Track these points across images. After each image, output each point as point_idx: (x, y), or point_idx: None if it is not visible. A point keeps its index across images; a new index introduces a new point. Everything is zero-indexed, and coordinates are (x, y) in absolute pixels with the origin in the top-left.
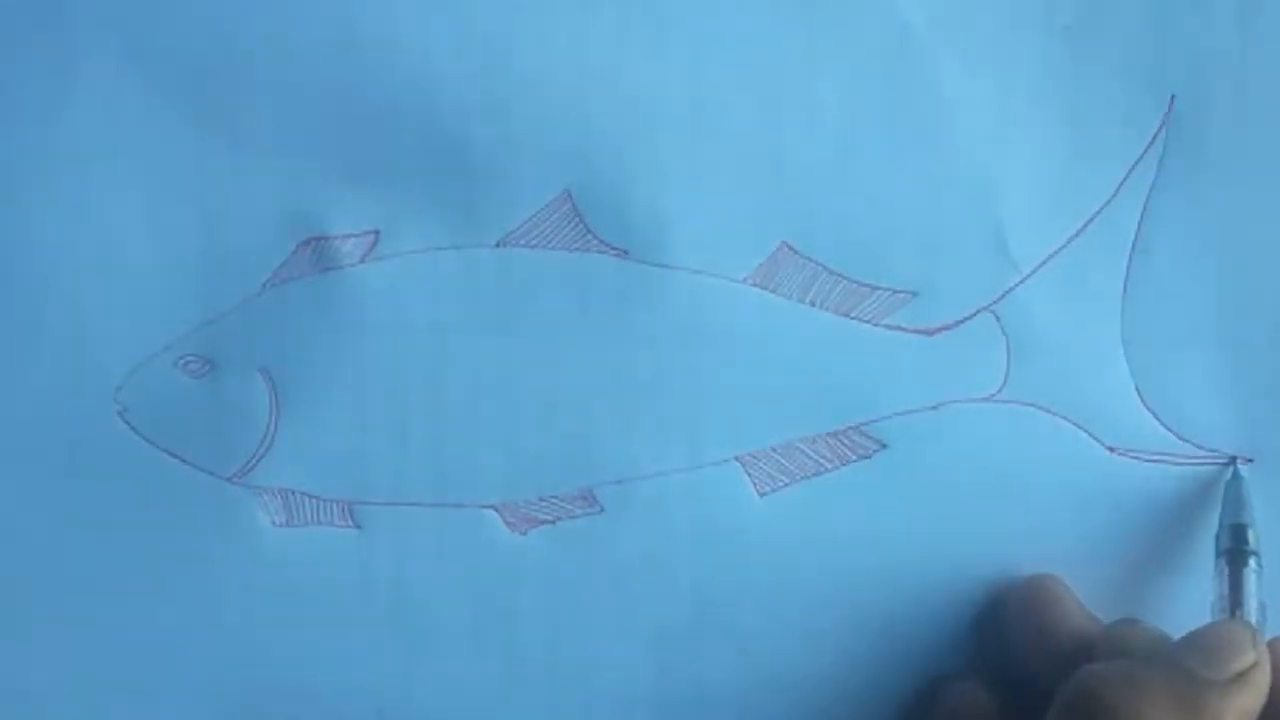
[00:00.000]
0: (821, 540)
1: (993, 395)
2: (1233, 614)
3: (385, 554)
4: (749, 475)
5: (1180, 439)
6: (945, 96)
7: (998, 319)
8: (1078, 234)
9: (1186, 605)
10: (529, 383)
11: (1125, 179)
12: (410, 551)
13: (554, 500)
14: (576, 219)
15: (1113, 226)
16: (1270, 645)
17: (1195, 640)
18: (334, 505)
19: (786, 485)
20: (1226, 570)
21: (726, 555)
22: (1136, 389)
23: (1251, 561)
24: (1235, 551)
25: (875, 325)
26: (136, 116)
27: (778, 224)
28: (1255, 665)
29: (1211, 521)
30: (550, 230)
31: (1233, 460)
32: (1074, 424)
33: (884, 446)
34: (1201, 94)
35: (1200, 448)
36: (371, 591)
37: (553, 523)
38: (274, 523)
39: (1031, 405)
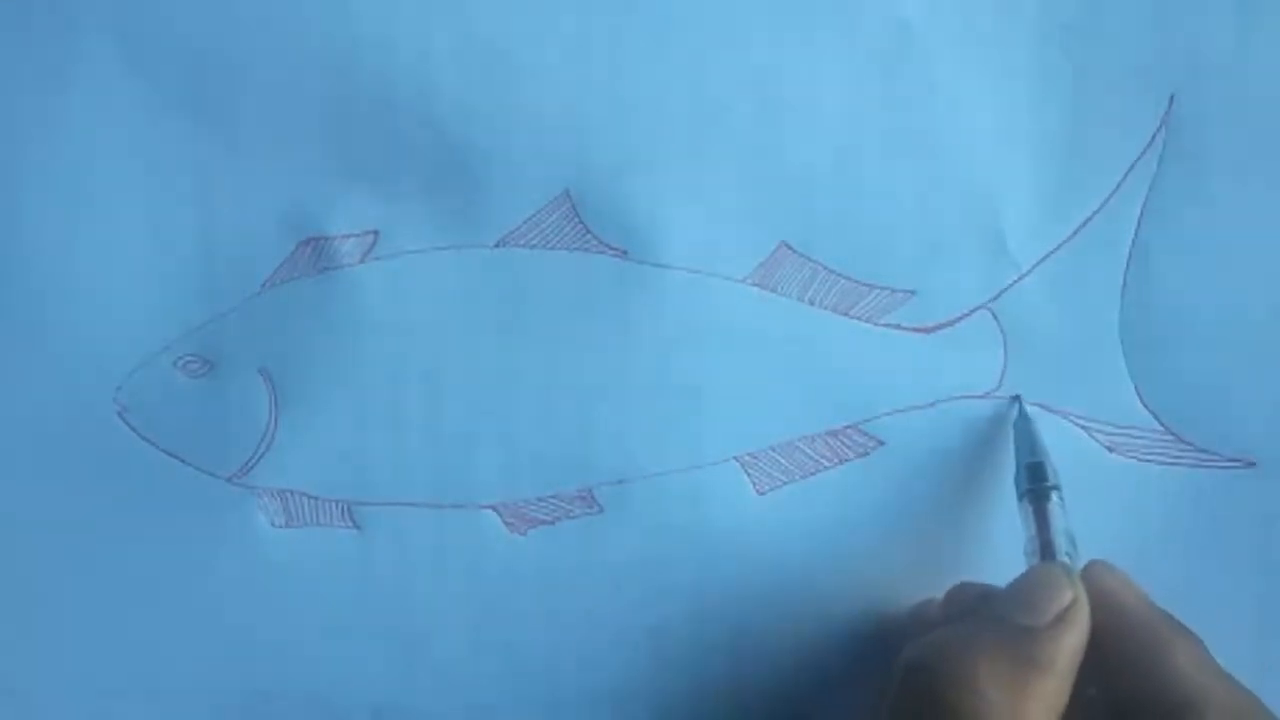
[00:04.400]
0: (820, 538)
1: (990, 393)
2: (1044, 553)
3: (384, 554)
4: (748, 474)
5: (1180, 439)
6: (944, 95)
7: (995, 317)
8: (1076, 233)
9: (1185, 604)
10: (528, 383)
11: (1124, 178)
12: (409, 552)
13: (553, 500)
14: (575, 219)
15: (1111, 225)
16: (1084, 575)
17: (1013, 592)
18: (333, 506)
19: (785, 484)
20: (1031, 510)
21: (726, 554)
22: (1136, 389)
23: (1054, 496)
24: (1036, 490)
25: (874, 324)
26: (136, 117)
27: (777, 224)
28: (1074, 603)
29: (1212, 522)
30: (549, 230)
31: (1016, 398)
32: (1072, 422)
33: (882, 444)
34: (1201, 94)
35: (1200, 449)
36: (371, 591)
37: (552, 523)
38: (273, 523)
39: (1030, 403)
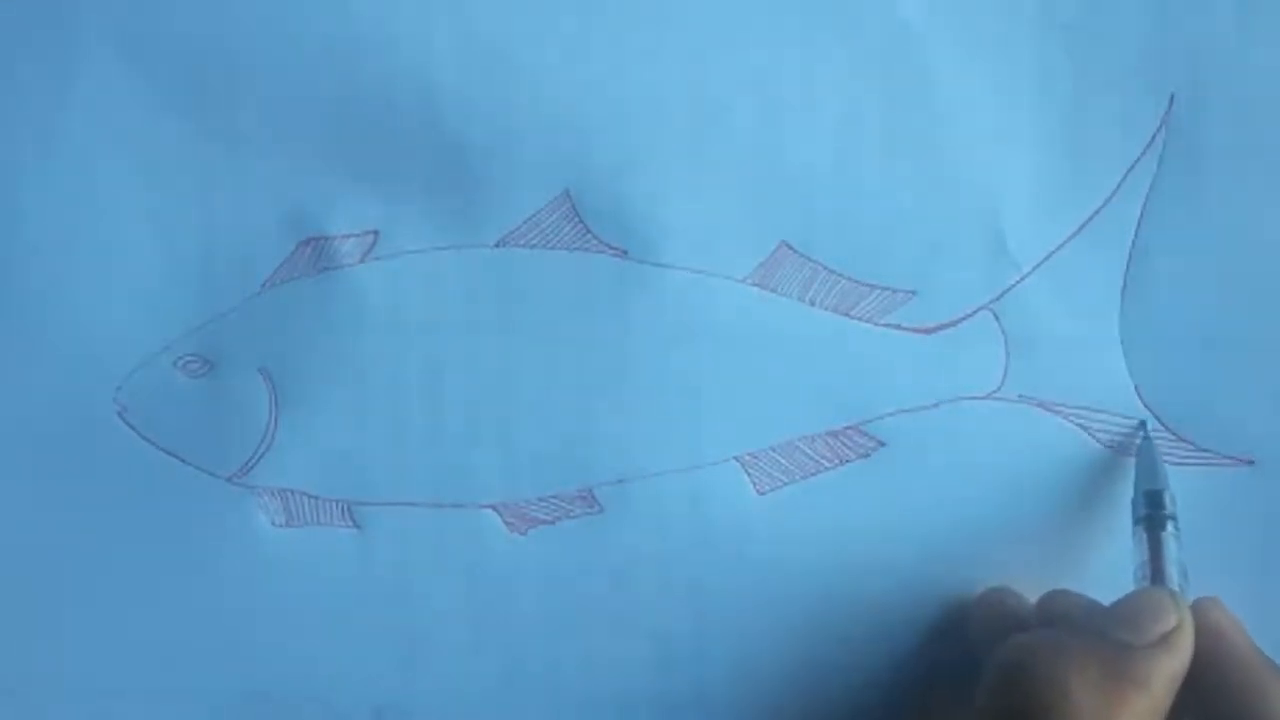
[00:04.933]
0: (821, 539)
1: (992, 394)
2: (1154, 580)
3: (385, 554)
4: (748, 474)
5: (1180, 439)
6: (944, 95)
7: (996, 318)
8: (1077, 233)
9: None
10: (528, 383)
11: (1124, 178)
12: (410, 551)
13: (553, 500)
14: (575, 219)
15: (1112, 225)
16: (1193, 607)
17: (1119, 608)
18: (333, 505)
19: (786, 484)
20: (1145, 537)
21: (726, 554)
22: (1136, 388)
23: (1169, 525)
24: (1152, 517)
25: (874, 324)
26: (136, 117)
27: (777, 224)
28: (1177, 628)
29: (1212, 522)
30: (549, 230)
31: (1142, 425)
32: (1072, 422)
33: (883, 445)
34: (1201, 94)
35: (1200, 448)
36: (371, 591)
37: (552, 523)
38: (273, 523)
39: (1029, 403)
